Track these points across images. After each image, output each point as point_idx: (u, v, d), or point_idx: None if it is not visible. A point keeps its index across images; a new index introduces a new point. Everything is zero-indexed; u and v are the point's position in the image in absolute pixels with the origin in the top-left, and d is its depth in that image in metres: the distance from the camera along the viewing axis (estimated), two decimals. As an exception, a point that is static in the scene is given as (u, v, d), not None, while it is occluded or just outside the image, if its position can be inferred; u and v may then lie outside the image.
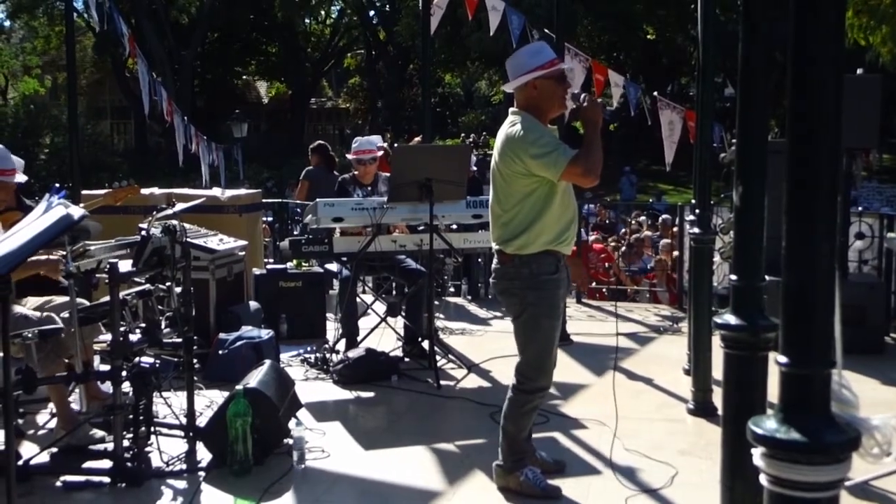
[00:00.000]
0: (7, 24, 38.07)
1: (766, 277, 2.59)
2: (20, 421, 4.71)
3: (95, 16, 8.56)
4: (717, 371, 4.76)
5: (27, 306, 4.63)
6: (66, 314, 4.43)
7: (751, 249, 2.56)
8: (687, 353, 5.65)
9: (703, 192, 5.30)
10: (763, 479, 1.69)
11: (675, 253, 9.21)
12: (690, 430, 4.84)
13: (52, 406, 4.71)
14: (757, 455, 1.70)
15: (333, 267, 6.95)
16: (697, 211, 5.27)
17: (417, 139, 8.84)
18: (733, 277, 2.57)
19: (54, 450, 4.23)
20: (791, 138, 1.70)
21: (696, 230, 5.21)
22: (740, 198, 2.54)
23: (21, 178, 4.82)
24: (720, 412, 2.74)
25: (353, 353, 5.88)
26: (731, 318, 2.53)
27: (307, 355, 6.26)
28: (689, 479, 4.02)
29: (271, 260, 8.99)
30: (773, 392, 1.86)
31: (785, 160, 1.70)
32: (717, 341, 4.16)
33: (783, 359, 1.69)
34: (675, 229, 9.75)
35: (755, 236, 2.55)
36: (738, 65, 2.50)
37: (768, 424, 1.67)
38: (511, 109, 3.88)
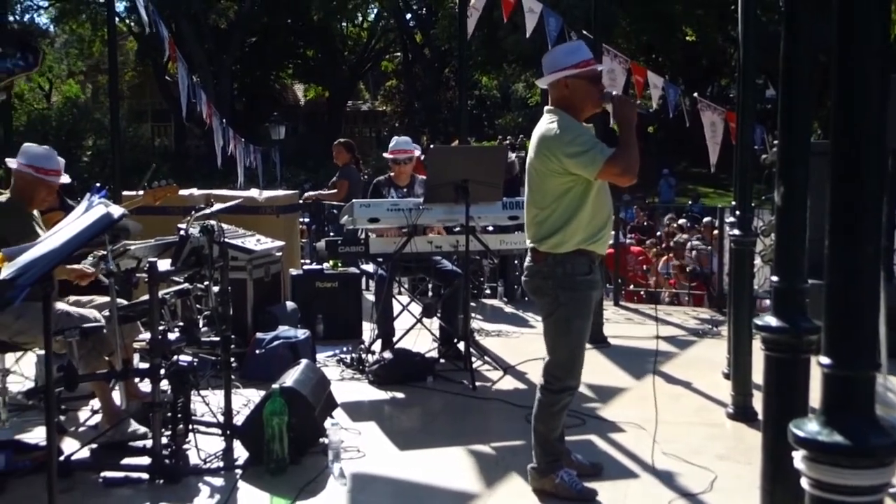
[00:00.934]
0: (52, 28, 38.74)
1: (808, 281, 2.55)
2: (62, 417, 4.79)
3: (145, 17, 8.66)
4: (757, 375, 4.73)
5: (69, 305, 4.70)
6: (106, 312, 4.50)
7: (793, 250, 2.52)
8: (726, 356, 5.59)
9: (744, 194, 5.23)
10: (804, 483, 1.66)
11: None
12: (730, 434, 4.78)
13: (92, 403, 4.77)
14: (798, 458, 1.67)
15: (369, 268, 6.97)
16: (738, 213, 5.20)
17: (456, 142, 8.84)
18: (775, 279, 2.53)
19: (95, 446, 4.29)
20: (835, 139, 1.67)
21: (736, 232, 5.15)
22: (782, 198, 2.49)
23: (65, 178, 4.89)
24: (760, 416, 2.70)
25: (388, 354, 5.89)
26: (772, 321, 2.48)
27: (343, 355, 6.28)
28: (728, 485, 3.97)
29: (308, 261, 9.04)
30: (815, 397, 1.83)
31: (828, 161, 1.67)
32: (757, 345, 4.12)
33: (826, 360, 1.66)
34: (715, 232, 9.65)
35: (798, 237, 2.51)
36: (780, 65, 2.46)
37: (810, 427, 1.64)
38: (546, 108, 3.86)
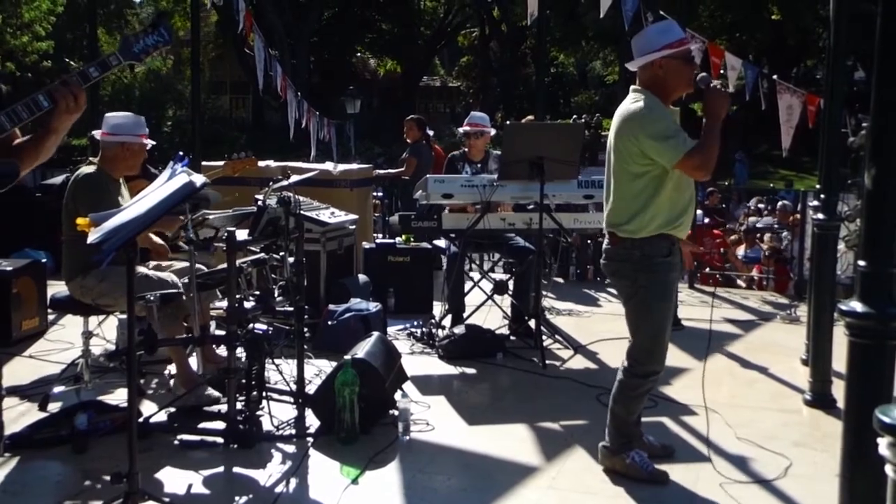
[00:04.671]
0: (137, 0, 39.57)
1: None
2: (141, 380, 4.92)
3: None
4: (837, 362, 4.61)
5: (149, 268, 4.83)
6: (185, 280, 4.60)
7: (882, 234, 2.43)
8: (805, 342, 5.45)
9: (829, 177, 5.08)
10: (889, 470, 1.61)
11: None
12: (806, 421, 4.67)
13: (171, 367, 4.90)
14: (883, 445, 1.62)
15: (442, 243, 6.98)
16: (822, 196, 5.06)
17: (529, 118, 8.77)
18: (862, 263, 2.45)
19: (172, 409, 4.40)
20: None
21: (820, 216, 5.01)
22: (872, 180, 2.41)
23: (149, 142, 4.99)
24: (839, 404, 2.63)
25: (458, 330, 5.90)
26: (857, 306, 2.41)
27: (413, 329, 6.32)
28: (803, 471, 3.88)
29: (381, 235, 9.09)
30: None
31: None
32: (838, 331, 4.00)
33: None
34: (796, 216, 9.40)
35: (888, 220, 2.42)
36: (876, 44, 2.37)
37: (898, 415, 1.59)
38: (633, 87, 3.75)
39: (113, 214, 3.27)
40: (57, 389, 4.80)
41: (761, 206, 13.11)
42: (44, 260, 6.86)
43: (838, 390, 4.57)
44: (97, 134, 4.92)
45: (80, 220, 3.31)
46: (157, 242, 5.10)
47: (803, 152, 19.79)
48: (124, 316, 4.71)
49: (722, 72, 7.73)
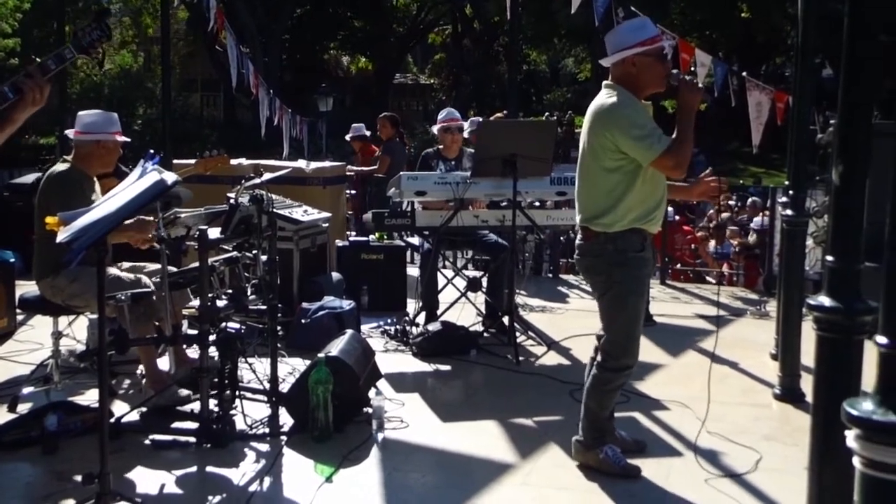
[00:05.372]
0: (105, -2, 39.10)
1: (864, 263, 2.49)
2: (112, 381, 4.88)
3: None
4: (805, 356, 4.67)
5: (121, 270, 4.78)
6: (157, 279, 4.57)
7: (849, 229, 2.46)
8: (774, 337, 5.51)
9: (798, 173, 5.14)
10: (857, 463, 1.64)
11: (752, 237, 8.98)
12: (776, 415, 4.72)
13: (141, 367, 4.86)
14: (851, 438, 1.64)
15: (415, 240, 6.98)
16: (791, 192, 5.11)
17: (499, 115, 8.78)
18: (830, 258, 2.47)
19: (144, 409, 4.37)
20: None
21: (789, 212, 5.06)
22: (840, 176, 2.44)
23: (123, 138, 4.94)
24: (808, 398, 2.66)
25: (432, 327, 5.91)
26: (825, 301, 2.43)
27: (387, 327, 6.32)
28: (773, 465, 3.93)
29: (354, 232, 9.08)
30: (866, 381, 1.80)
31: (888, 142, 1.63)
32: (806, 326, 4.05)
33: (883, 339, 1.64)
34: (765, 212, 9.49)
35: (855, 216, 2.45)
36: (844, 43, 2.40)
37: (865, 406, 1.62)
38: (605, 83, 3.77)
39: (82, 213, 3.24)
40: (26, 390, 4.75)
41: (731, 202, 13.19)
42: (12, 260, 6.77)
43: (807, 384, 4.63)
44: (70, 133, 4.87)
45: (49, 219, 3.27)
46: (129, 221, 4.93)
47: (772, 149, 19.97)
48: (95, 316, 4.66)
49: (692, 69, 7.79)
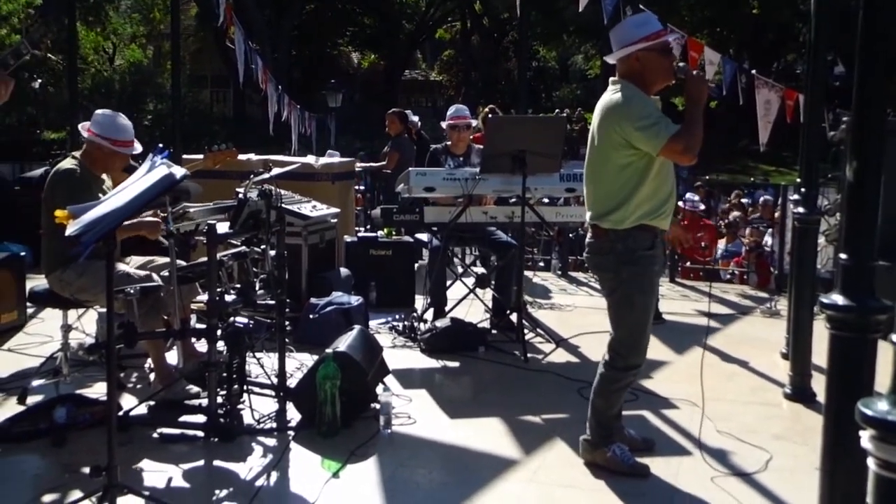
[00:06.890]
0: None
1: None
2: (121, 374, 4.89)
3: None
4: (817, 356, 4.64)
5: (130, 265, 4.78)
6: (165, 273, 4.56)
7: (863, 227, 2.44)
8: (785, 336, 5.49)
9: (810, 170, 5.11)
10: (871, 463, 1.62)
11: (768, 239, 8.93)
12: (786, 414, 4.70)
13: (150, 361, 4.86)
14: (865, 438, 1.62)
15: (424, 237, 6.97)
16: (803, 190, 5.08)
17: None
18: (843, 256, 2.45)
19: (152, 403, 4.37)
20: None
21: (801, 210, 5.03)
22: (854, 173, 2.41)
23: (138, 148, 4.92)
24: (819, 397, 2.64)
25: (440, 323, 5.90)
26: (838, 299, 2.41)
27: (395, 323, 6.31)
28: (783, 464, 3.91)
29: (363, 228, 9.07)
30: (880, 381, 1.78)
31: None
32: (817, 325, 4.03)
33: (899, 339, 1.61)
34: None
35: (869, 214, 2.43)
36: (858, 40, 2.37)
37: (880, 406, 1.60)
38: (612, 79, 3.76)
39: (91, 207, 3.24)
40: (36, 383, 4.75)
41: (744, 200, 13.13)
42: (23, 254, 6.79)
43: (818, 384, 4.60)
44: (84, 129, 4.85)
45: (58, 213, 3.27)
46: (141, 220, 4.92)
47: (783, 147, 19.89)
48: (104, 309, 4.66)
49: (701, 65, 7.75)
